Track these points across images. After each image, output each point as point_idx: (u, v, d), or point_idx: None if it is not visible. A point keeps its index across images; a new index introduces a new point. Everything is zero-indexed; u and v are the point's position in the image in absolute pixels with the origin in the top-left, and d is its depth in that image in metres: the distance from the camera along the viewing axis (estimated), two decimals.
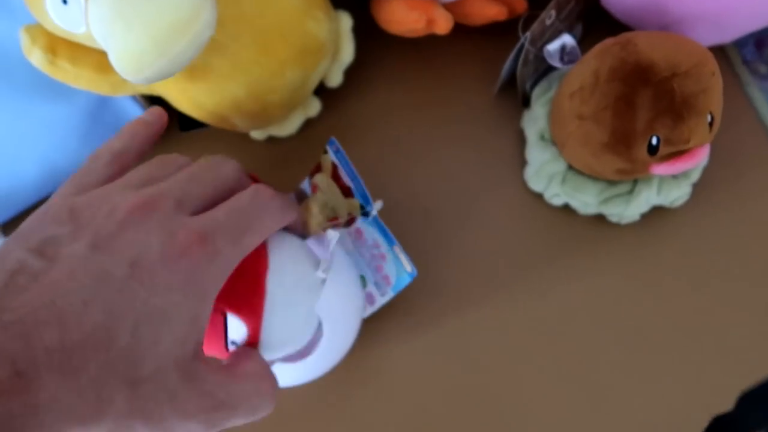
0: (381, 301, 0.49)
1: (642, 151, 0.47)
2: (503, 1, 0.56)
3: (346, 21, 0.58)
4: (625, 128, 0.46)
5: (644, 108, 0.45)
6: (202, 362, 0.29)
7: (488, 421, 0.52)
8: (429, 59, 0.62)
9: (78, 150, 0.57)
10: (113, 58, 0.41)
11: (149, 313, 0.27)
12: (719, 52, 0.58)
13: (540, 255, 0.55)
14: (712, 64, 0.46)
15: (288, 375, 0.49)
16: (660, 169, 0.48)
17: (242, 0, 0.49)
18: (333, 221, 0.52)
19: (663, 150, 0.46)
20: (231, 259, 0.31)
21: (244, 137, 0.61)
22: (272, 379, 0.35)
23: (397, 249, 0.47)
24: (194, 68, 0.50)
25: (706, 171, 0.54)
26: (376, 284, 0.49)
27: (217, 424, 0.29)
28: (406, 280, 0.48)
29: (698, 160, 0.48)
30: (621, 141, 0.47)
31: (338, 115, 0.61)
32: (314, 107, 0.61)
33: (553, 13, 0.53)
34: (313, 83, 0.57)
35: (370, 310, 0.49)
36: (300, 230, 0.45)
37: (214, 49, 0.49)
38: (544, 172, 0.54)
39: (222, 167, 0.38)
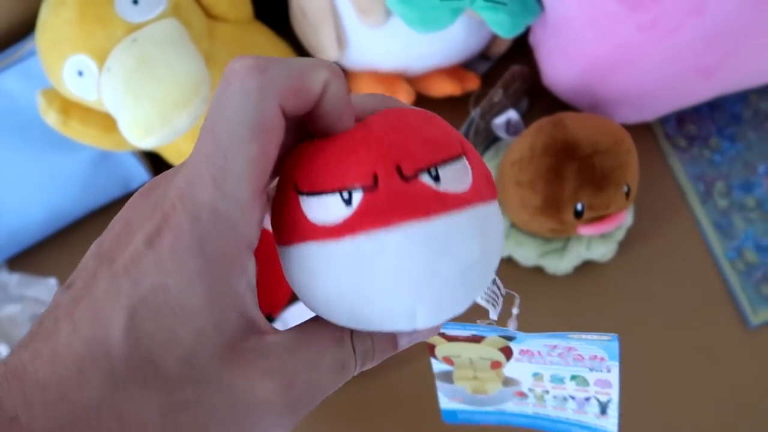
0: (616, 373, 0.40)
1: (569, 215, 0.55)
2: (458, 79, 0.65)
3: None
4: (555, 195, 0.54)
5: (570, 179, 0.53)
6: (255, 335, 0.23)
7: None
8: None
9: (80, 196, 0.64)
10: (123, 126, 0.49)
11: (141, 305, 0.21)
12: (645, 127, 0.67)
13: None
14: (629, 143, 0.55)
15: None
16: (586, 230, 0.56)
17: None
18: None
19: (587, 214, 0.55)
20: (218, 202, 0.21)
21: None
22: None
23: (576, 335, 0.38)
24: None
25: (630, 230, 0.63)
26: (593, 369, 0.40)
27: (304, 404, 0.23)
28: (615, 347, 0.38)
29: (617, 224, 0.56)
30: (552, 205, 0.55)
31: None
32: None
33: (500, 91, 0.62)
34: None
35: (615, 395, 0.42)
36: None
37: None
38: None
39: None
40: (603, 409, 0.43)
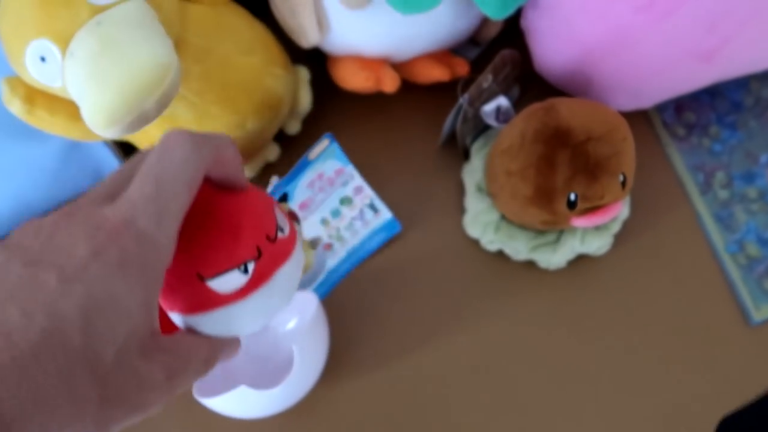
0: (356, 173, 0.49)
1: (562, 205, 0.52)
2: (447, 64, 0.62)
3: (304, 74, 0.63)
4: (547, 184, 0.52)
5: (563, 167, 0.51)
6: (157, 336, 0.31)
7: None
8: (380, 112, 0.67)
9: (50, 188, 0.61)
10: (86, 114, 0.46)
11: (94, 305, 0.27)
12: (642, 115, 0.64)
13: (476, 296, 0.60)
14: (625, 130, 0.52)
15: (258, 404, 0.53)
16: (579, 222, 0.53)
17: (207, 58, 0.54)
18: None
19: (581, 205, 0.52)
20: (157, 234, 0.30)
21: None
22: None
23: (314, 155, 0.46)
24: (161, 117, 0.54)
25: (627, 223, 0.60)
26: (345, 184, 0.48)
27: (177, 386, 0.31)
28: (336, 148, 0.48)
29: (613, 215, 0.53)
30: (543, 196, 0.52)
31: (296, 159, 0.66)
32: (273, 152, 0.65)
33: (489, 77, 0.59)
34: (273, 131, 0.62)
35: (370, 191, 0.51)
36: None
37: (180, 101, 0.54)
38: (480, 221, 0.59)
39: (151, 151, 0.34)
40: (373, 208, 0.56)
